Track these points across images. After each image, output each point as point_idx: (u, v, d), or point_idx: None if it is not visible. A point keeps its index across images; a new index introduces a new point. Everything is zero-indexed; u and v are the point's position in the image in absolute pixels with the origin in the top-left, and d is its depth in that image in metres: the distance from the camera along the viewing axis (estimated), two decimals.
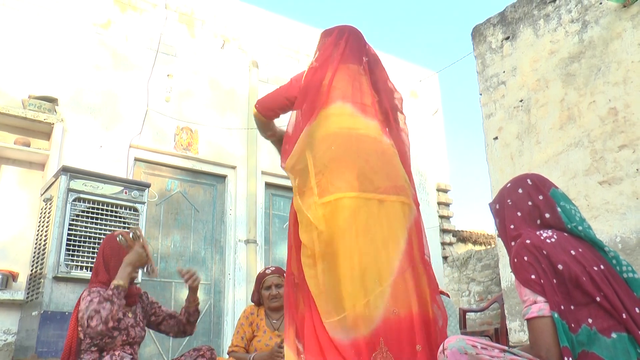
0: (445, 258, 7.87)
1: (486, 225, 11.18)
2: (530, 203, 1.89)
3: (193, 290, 2.99)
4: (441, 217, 8.32)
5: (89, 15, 5.84)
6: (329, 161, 2.33)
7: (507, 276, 4.56)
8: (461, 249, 8.50)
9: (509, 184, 1.99)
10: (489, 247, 8.41)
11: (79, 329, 2.57)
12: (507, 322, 4.45)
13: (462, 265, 7.63)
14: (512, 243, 1.88)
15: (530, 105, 4.59)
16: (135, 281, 2.87)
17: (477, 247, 8.72)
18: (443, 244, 8.16)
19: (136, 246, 2.67)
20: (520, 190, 1.92)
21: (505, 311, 4.52)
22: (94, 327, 2.43)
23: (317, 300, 2.20)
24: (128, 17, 6.11)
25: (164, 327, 2.99)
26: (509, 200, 1.94)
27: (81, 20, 5.77)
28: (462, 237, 8.81)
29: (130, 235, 2.70)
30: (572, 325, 1.64)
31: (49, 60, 5.44)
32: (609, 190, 3.91)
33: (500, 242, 4.65)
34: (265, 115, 2.66)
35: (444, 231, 8.27)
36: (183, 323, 3.01)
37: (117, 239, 2.70)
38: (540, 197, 1.88)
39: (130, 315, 2.75)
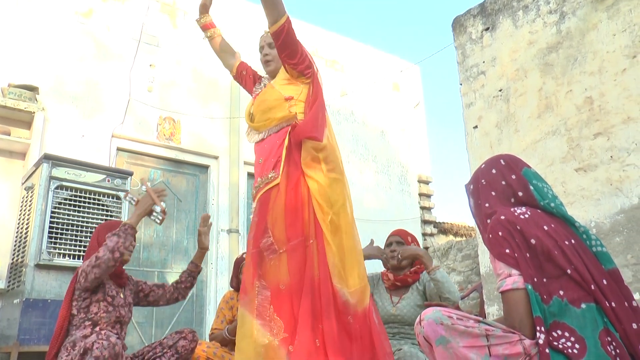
0: (426, 249, 7.97)
1: (467, 217, 11.33)
2: (503, 182, 1.94)
3: (202, 252, 3.20)
4: (422, 208, 8.42)
5: (71, 4, 5.80)
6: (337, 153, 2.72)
7: (486, 262, 4.64)
8: (442, 240, 8.61)
9: (483, 165, 2.05)
10: (469, 238, 8.53)
11: (75, 301, 2.63)
12: (486, 306, 4.54)
13: (443, 256, 7.73)
14: (488, 221, 1.94)
15: (509, 95, 4.68)
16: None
17: (458, 238, 8.84)
18: (424, 234, 8.27)
19: (143, 196, 2.80)
20: (493, 171, 1.98)
21: (484, 296, 4.61)
22: (101, 257, 2.54)
23: (342, 266, 2.39)
24: (110, 6, 6.08)
25: (152, 297, 3.07)
26: (483, 181, 1.99)
27: (63, 8, 5.73)
28: (443, 229, 8.92)
29: (138, 188, 2.87)
30: (545, 296, 1.70)
31: (29, 49, 5.40)
32: (585, 177, 4.00)
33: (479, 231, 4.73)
34: (280, 37, 2.63)
35: (425, 222, 8.37)
36: (184, 287, 3.12)
37: (126, 199, 2.89)
38: (513, 177, 1.94)
39: (122, 295, 2.81)
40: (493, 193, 1.95)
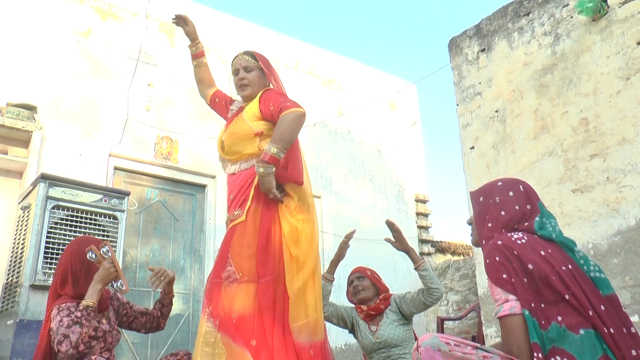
0: None
1: (464, 235, 11.32)
2: (517, 207, 1.94)
3: (169, 282, 2.95)
4: (420, 227, 8.41)
5: (69, 23, 5.84)
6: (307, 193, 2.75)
7: (484, 283, 4.63)
8: (440, 259, 8.58)
9: (500, 183, 2.03)
10: (467, 257, 8.51)
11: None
12: (484, 328, 4.52)
13: (441, 275, 7.70)
14: (483, 242, 1.95)
15: (505, 116, 4.71)
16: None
17: (456, 258, 8.81)
18: (422, 254, 8.24)
19: (105, 262, 2.58)
20: (510, 193, 1.97)
21: (482, 317, 4.59)
22: (65, 352, 2.38)
23: (292, 305, 2.44)
24: (108, 25, 6.12)
25: (135, 325, 2.92)
26: (497, 198, 1.98)
27: (61, 28, 5.77)
28: (440, 248, 8.90)
29: (101, 251, 2.61)
30: (543, 322, 1.70)
31: (28, 68, 5.42)
32: (581, 198, 4.02)
33: (477, 250, 4.73)
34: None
35: (422, 241, 8.35)
36: (157, 316, 2.96)
37: (87, 255, 2.60)
38: (528, 207, 1.94)
39: (104, 321, 2.68)
40: (503, 213, 1.94)
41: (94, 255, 2.60)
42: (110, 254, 2.60)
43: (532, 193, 1.99)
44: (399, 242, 3.25)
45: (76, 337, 2.40)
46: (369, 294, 3.25)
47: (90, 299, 2.51)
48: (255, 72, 2.84)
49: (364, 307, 3.23)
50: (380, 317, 3.21)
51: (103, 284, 2.55)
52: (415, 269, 3.17)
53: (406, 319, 3.21)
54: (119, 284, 2.62)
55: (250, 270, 2.48)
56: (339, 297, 3.71)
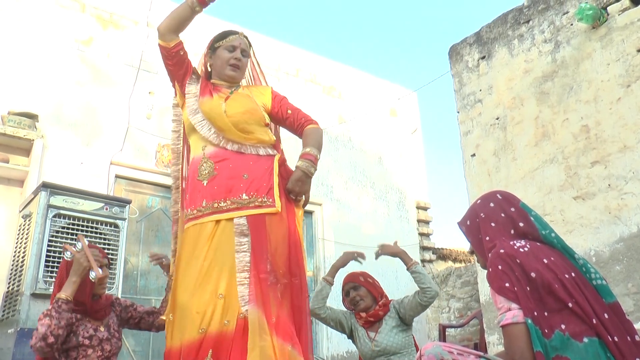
0: None
1: (466, 242, 11.28)
2: (503, 214, 1.94)
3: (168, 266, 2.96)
4: (421, 234, 8.40)
5: (70, 32, 5.86)
6: None
7: (486, 291, 4.62)
8: (441, 267, 8.57)
9: (478, 201, 2.05)
10: (468, 264, 8.49)
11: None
12: (486, 335, 4.50)
13: (442, 282, 7.69)
14: (489, 255, 1.94)
15: (506, 123, 4.71)
16: (108, 291, 2.83)
17: (457, 265, 8.80)
18: (423, 261, 8.23)
19: (77, 255, 2.54)
20: (491, 204, 1.98)
21: (484, 325, 4.57)
22: (34, 344, 2.35)
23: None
24: (110, 34, 6.14)
25: (144, 324, 2.91)
26: (482, 214, 1.99)
27: (63, 36, 5.79)
28: (442, 255, 8.89)
29: (76, 248, 2.57)
30: (546, 330, 1.69)
31: (29, 76, 5.44)
32: (583, 205, 4.01)
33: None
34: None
35: (423, 248, 8.34)
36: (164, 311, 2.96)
37: (65, 255, 2.56)
38: (512, 209, 1.95)
39: (102, 329, 2.66)
40: (492, 224, 1.94)
41: (69, 254, 2.57)
42: (81, 247, 2.56)
43: (510, 197, 1.99)
44: (387, 251, 3.34)
45: (44, 330, 2.34)
46: (368, 302, 3.24)
47: (64, 292, 2.48)
48: (247, 60, 2.78)
49: (363, 314, 3.22)
50: (380, 324, 3.20)
51: (77, 276, 2.51)
52: (407, 269, 3.23)
53: (406, 324, 3.20)
54: (92, 274, 2.55)
55: (284, 270, 2.38)
56: (336, 300, 3.69)
